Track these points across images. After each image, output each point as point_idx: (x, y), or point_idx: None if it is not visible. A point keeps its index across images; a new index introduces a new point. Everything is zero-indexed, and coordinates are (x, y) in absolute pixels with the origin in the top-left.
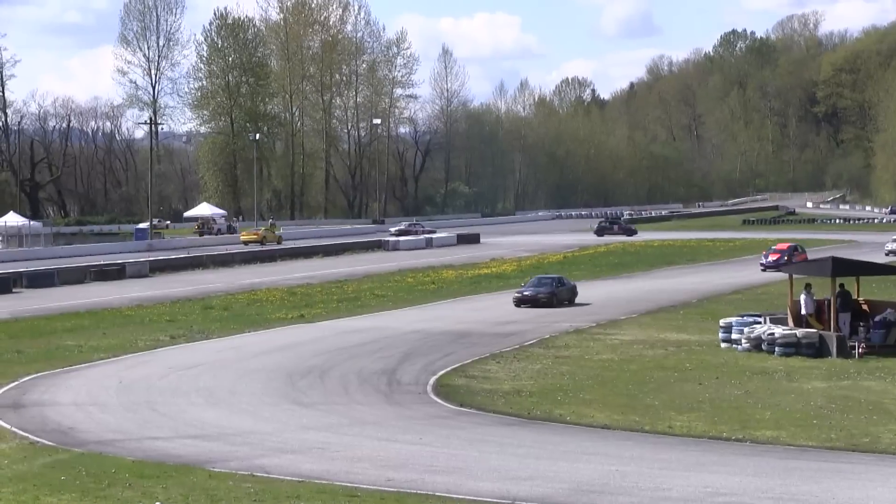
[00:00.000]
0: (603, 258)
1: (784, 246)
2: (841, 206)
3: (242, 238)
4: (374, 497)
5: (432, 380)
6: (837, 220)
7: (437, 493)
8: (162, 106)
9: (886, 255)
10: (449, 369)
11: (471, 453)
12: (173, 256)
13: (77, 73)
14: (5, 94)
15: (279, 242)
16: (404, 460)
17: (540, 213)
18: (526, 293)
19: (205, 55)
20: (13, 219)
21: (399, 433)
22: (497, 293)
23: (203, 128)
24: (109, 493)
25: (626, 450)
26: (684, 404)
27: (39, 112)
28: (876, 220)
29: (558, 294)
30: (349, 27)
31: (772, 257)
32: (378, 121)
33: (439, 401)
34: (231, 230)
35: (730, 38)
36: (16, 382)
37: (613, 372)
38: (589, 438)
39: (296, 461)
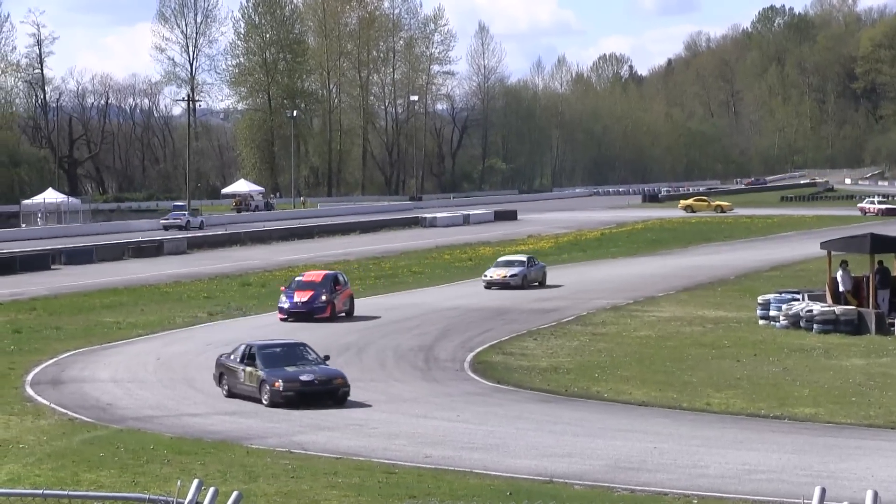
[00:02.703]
0: (640, 235)
1: None
2: (880, 183)
3: None
4: (412, 473)
5: (469, 356)
6: (877, 197)
7: (474, 470)
8: (199, 83)
9: None
10: (486, 346)
11: (508, 430)
12: (211, 233)
13: (115, 51)
14: (44, 72)
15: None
16: (441, 437)
17: (577, 190)
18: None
19: (242, 32)
20: (52, 195)
21: (436, 410)
22: None
23: (240, 104)
24: (148, 469)
25: (664, 427)
26: (722, 381)
27: (78, 89)
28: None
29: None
30: (386, 4)
31: None
32: (415, 97)
33: (476, 377)
34: (269, 207)
35: (768, 14)
36: (55, 359)
37: (651, 349)
38: (627, 415)
39: (333, 438)
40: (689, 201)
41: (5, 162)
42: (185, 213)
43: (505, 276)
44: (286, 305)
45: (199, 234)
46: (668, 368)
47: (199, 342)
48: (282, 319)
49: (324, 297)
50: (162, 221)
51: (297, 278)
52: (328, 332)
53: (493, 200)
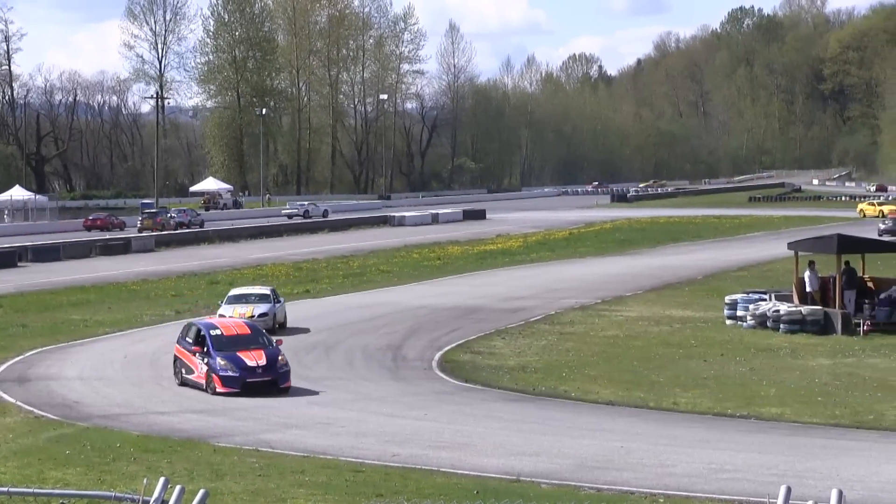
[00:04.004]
0: (609, 235)
1: None
2: (847, 184)
3: None
4: (379, 472)
5: (437, 356)
6: (843, 198)
7: (442, 469)
8: (168, 80)
9: (880, 235)
10: (454, 345)
11: (476, 429)
12: (179, 231)
13: (83, 47)
14: (11, 68)
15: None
16: (409, 436)
17: (546, 190)
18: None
19: (211, 29)
20: (19, 193)
21: (404, 409)
22: (503, 269)
23: (209, 102)
24: (114, 467)
25: (631, 426)
26: (689, 381)
27: (45, 86)
28: (882, 197)
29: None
30: (356, 2)
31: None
32: (385, 96)
33: (444, 377)
34: (237, 205)
35: (737, 15)
36: (21, 356)
37: (618, 348)
38: (594, 415)
39: (301, 436)
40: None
41: None
42: (306, 203)
43: (252, 316)
44: (237, 374)
45: (166, 232)
46: (635, 368)
47: (167, 340)
48: (223, 394)
49: (282, 358)
50: (284, 211)
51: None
52: (296, 330)
53: (463, 200)
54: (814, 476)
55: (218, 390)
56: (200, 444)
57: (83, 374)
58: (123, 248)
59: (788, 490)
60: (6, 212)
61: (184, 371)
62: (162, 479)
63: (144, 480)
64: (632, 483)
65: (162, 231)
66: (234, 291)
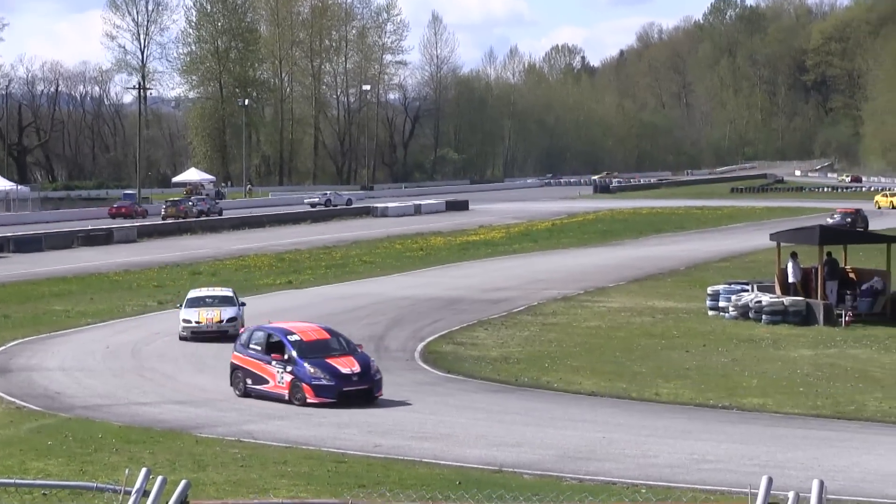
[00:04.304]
0: (591, 226)
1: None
2: (829, 175)
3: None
4: (362, 463)
5: (420, 346)
6: (826, 189)
7: (424, 460)
8: (151, 71)
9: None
10: (437, 336)
11: (458, 420)
12: (161, 222)
13: (66, 38)
14: None
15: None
16: (391, 426)
17: (529, 181)
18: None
19: (194, 20)
20: (0, 183)
21: (386, 399)
22: (485, 260)
23: (192, 93)
24: (96, 457)
25: (613, 417)
26: (671, 372)
27: (27, 76)
28: (864, 189)
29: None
30: None
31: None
32: (367, 87)
33: (427, 367)
34: (220, 195)
35: (720, 6)
36: (3, 347)
37: (601, 339)
38: (576, 405)
39: (283, 427)
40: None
41: None
42: (328, 192)
43: (220, 321)
44: (332, 382)
45: (153, 221)
46: (617, 359)
47: (149, 331)
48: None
49: (374, 364)
50: (306, 200)
51: (287, 333)
52: (269, 309)
53: (445, 190)
54: (795, 467)
55: (309, 401)
56: (183, 434)
57: (65, 365)
58: (105, 238)
59: (770, 481)
60: None
61: (249, 381)
62: (144, 470)
63: (126, 471)
64: (614, 473)
65: (185, 218)
66: (194, 293)
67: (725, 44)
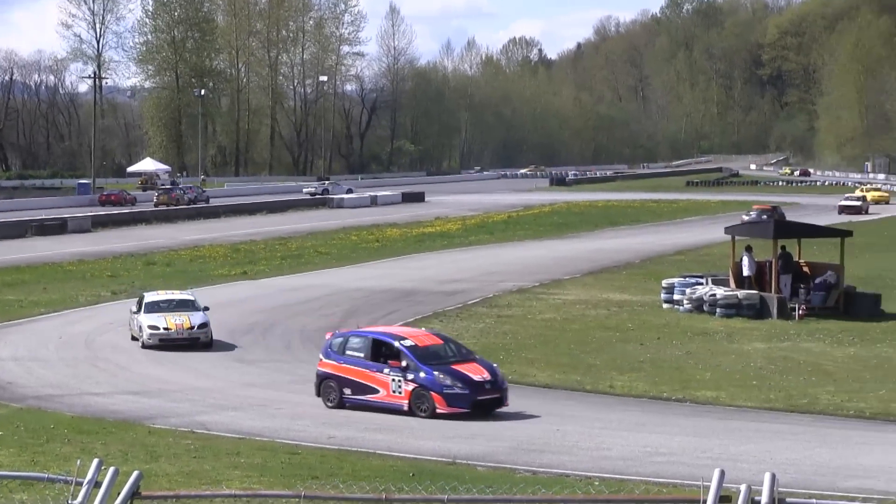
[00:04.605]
0: (547, 218)
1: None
2: (784, 169)
3: None
4: (315, 454)
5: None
6: (780, 182)
7: (377, 451)
8: (106, 60)
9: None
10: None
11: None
12: (116, 211)
13: (20, 26)
14: None
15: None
16: (346, 418)
17: (485, 173)
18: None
19: (150, 9)
20: None
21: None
22: (441, 252)
23: (148, 83)
24: (48, 448)
25: (567, 409)
26: (626, 364)
27: None
28: (818, 183)
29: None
30: None
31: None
32: (324, 78)
33: None
34: (174, 186)
35: (677, 2)
36: None
37: (555, 332)
38: (530, 398)
39: (237, 418)
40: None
41: None
42: (326, 182)
43: (191, 327)
44: (465, 391)
45: (103, 211)
46: (572, 351)
47: (103, 321)
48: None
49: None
50: (305, 190)
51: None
52: (233, 311)
53: (401, 182)
54: (748, 459)
55: (439, 411)
56: (135, 425)
57: (17, 355)
58: (59, 228)
59: (722, 473)
60: None
61: (348, 391)
62: (96, 461)
63: (78, 462)
64: (567, 466)
65: (177, 205)
66: (151, 297)
67: (682, 37)
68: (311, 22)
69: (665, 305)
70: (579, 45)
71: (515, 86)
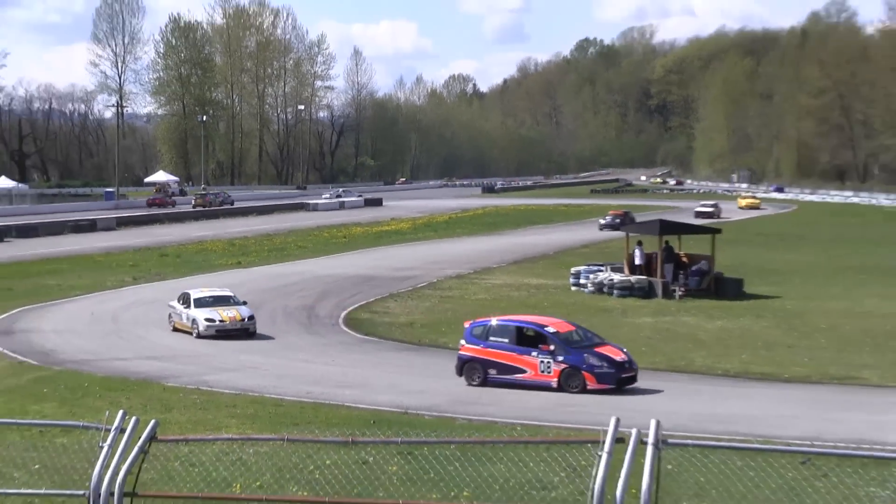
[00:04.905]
0: (480, 219)
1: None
2: (668, 180)
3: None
4: (296, 406)
5: (343, 314)
6: (665, 190)
7: (345, 404)
8: (126, 92)
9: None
10: (356, 306)
11: (373, 372)
12: (136, 213)
13: (57, 65)
14: None
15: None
16: (320, 378)
17: (431, 182)
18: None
19: (161, 51)
20: (4, 182)
21: (316, 356)
22: (396, 246)
23: (160, 110)
24: (83, 402)
25: None
26: None
27: (26, 95)
28: (695, 191)
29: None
30: (279, 30)
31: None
32: (302, 107)
33: (348, 331)
34: (182, 193)
35: (584, 45)
36: (7, 314)
37: (487, 309)
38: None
39: (233, 378)
40: (748, 200)
41: None
42: (340, 189)
43: (242, 319)
44: (612, 370)
45: (129, 212)
46: None
47: (126, 301)
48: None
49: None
50: (323, 196)
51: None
52: (222, 284)
53: (364, 190)
54: (638, 409)
55: (590, 387)
56: (153, 383)
57: (57, 328)
58: (90, 227)
59: (618, 420)
60: None
61: (493, 371)
62: (121, 412)
63: (107, 413)
64: (496, 415)
65: (210, 207)
66: (199, 294)
67: (587, 75)
68: (290, 62)
69: (573, 288)
70: (505, 81)
71: (454, 113)
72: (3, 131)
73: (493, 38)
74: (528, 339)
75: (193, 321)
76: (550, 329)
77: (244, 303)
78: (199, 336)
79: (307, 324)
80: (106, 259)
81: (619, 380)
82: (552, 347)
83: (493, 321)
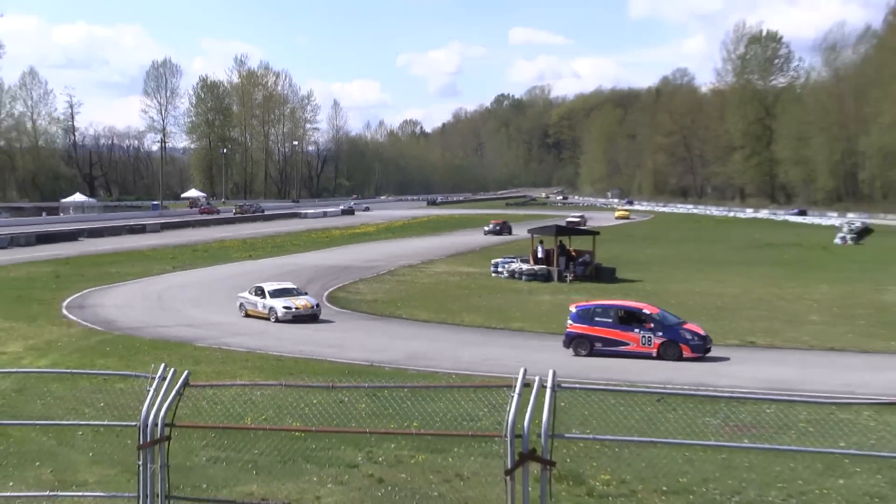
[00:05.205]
0: (426, 224)
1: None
2: (559, 197)
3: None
4: (291, 360)
5: (326, 293)
6: (559, 204)
7: (327, 359)
8: (168, 132)
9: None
10: (335, 287)
11: (347, 336)
12: (174, 220)
13: (117, 111)
14: (74, 123)
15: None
16: (308, 339)
17: (390, 198)
18: (299, 305)
19: (193, 102)
20: (79, 197)
21: (306, 324)
22: (365, 243)
23: (192, 145)
24: (135, 358)
25: (437, 334)
26: (471, 308)
27: (94, 134)
28: (579, 204)
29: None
30: (279, 87)
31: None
32: (296, 142)
33: (330, 305)
34: (209, 205)
35: (500, 98)
36: (80, 293)
37: (431, 289)
38: (416, 328)
39: (245, 340)
40: (621, 211)
41: (51, 176)
42: (352, 201)
43: (311, 307)
44: (700, 342)
45: (169, 219)
46: (440, 300)
47: (167, 284)
48: (691, 359)
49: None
50: (340, 207)
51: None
52: (242, 278)
53: (341, 203)
54: (539, 363)
55: (685, 356)
56: (186, 344)
57: (117, 304)
58: (141, 230)
59: (525, 370)
60: (71, 208)
61: (600, 344)
62: (163, 365)
63: (152, 366)
64: (438, 366)
65: (246, 214)
66: (273, 287)
67: (503, 120)
68: (287, 110)
69: (493, 274)
70: (443, 124)
71: (407, 148)
72: (78, 160)
73: (434, 93)
74: (627, 318)
75: (271, 309)
76: (647, 311)
77: (305, 293)
78: (277, 321)
79: None
80: (152, 253)
81: (705, 349)
82: (652, 325)
83: (595, 305)
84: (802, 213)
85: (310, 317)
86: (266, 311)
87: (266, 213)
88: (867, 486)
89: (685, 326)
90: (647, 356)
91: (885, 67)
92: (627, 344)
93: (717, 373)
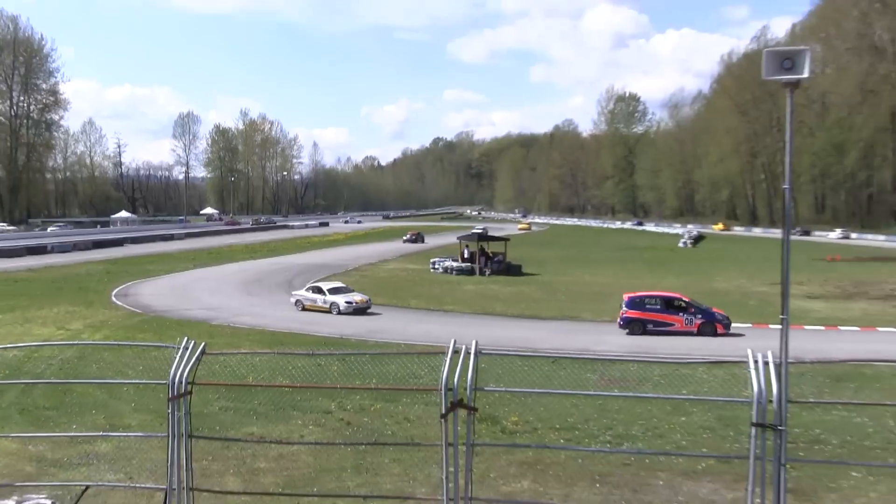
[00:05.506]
0: (383, 233)
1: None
2: (482, 212)
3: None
4: (283, 334)
5: (308, 284)
6: (480, 217)
7: (310, 333)
8: (190, 165)
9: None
10: (316, 280)
11: (325, 317)
12: (195, 230)
13: (154, 150)
14: (121, 158)
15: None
16: (293, 318)
17: (356, 215)
18: (356, 300)
19: (209, 144)
20: (124, 214)
21: (292, 308)
22: (336, 248)
23: (209, 175)
24: (166, 333)
25: (390, 315)
26: (415, 295)
27: (136, 167)
28: (494, 218)
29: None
30: (273, 132)
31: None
32: (285, 173)
33: None
34: (221, 220)
35: (437, 140)
36: (125, 285)
37: (387, 282)
38: (376, 310)
39: (249, 320)
40: (524, 224)
41: (103, 198)
42: (349, 215)
43: (365, 301)
44: (727, 322)
45: (193, 228)
46: (394, 290)
47: (189, 278)
48: (722, 334)
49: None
50: (343, 221)
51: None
52: (246, 273)
53: (319, 218)
54: (467, 336)
55: (719, 333)
56: (203, 323)
57: (152, 293)
58: (170, 238)
59: (455, 341)
60: (118, 222)
61: (651, 325)
62: (185, 338)
63: (177, 339)
64: (391, 338)
65: (262, 225)
66: (327, 285)
67: (438, 156)
68: (279, 149)
69: (431, 270)
70: (395, 160)
71: (368, 177)
72: (124, 186)
73: (388, 136)
74: (671, 304)
75: (332, 304)
76: (686, 299)
77: (353, 290)
78: (340, 313)
79: (288, 290)
80: (178, 255)
81: (729, 328)
82: (693, 310)
83: (643, 295)
84: (640, 223)
85: (364, 311)
86: (327, 306)
87: (277, 223)
88: (701, 421)
89: (713, 310)
90: (689, 334)
91: (712, 120)
92: (673, 325)
93: (598, 342)
